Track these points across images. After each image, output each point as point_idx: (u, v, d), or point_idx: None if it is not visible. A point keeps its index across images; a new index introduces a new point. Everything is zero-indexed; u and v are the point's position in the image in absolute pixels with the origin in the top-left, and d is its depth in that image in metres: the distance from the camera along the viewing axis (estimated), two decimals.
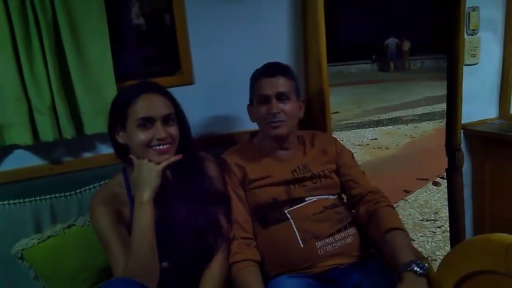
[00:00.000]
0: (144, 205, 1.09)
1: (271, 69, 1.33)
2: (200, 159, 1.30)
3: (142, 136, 1.12)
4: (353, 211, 1.38)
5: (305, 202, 1.30)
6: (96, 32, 1.38)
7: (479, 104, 2.03)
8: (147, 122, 1.12)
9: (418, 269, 1.03)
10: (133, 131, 1.13)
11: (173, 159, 1.16)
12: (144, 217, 1.08)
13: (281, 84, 1.31)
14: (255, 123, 1.39)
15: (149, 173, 1.11)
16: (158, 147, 1.13)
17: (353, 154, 1.47)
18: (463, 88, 1.81)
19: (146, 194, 1.10)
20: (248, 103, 1.41)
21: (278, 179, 1.32)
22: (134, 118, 1.12)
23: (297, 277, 1.21)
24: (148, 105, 1.13)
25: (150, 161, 1.13)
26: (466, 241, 0.44)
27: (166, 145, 1.14)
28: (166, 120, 1.15)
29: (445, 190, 1.99)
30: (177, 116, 1.20)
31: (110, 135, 1.20)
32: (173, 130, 1.17)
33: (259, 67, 1.38)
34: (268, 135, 1.35)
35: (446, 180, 1.96)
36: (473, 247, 0.42)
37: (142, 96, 1.13)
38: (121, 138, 1.17)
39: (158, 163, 1.13)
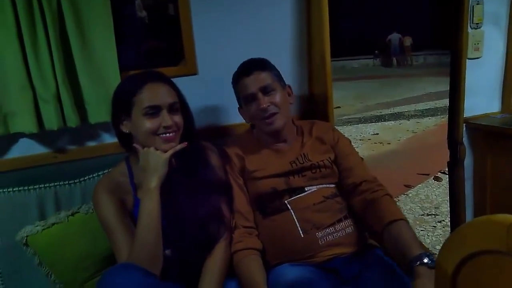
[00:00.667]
0: (151, 193, 1.11)
1: (248, 68, 1.33)
2: (202, 148, 1.31)
3: (148, 124, 1.13)
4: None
5: (305, 192, 1.31)
6: (101, 21, 1.39)
7: (482, 98, 2.03)
8: (153, 111, 1.13)
9: (429, 262, 1.01)
10: (139, 119, 1.13)
11: (179, 147, 1.17)
12: (151, 204, 1.10)
13: (261, 78, 1.31)
14: None
15: (157, 161, 1.13)
16: (164, 135, 1.14)
17: (350, 141, 1.45)
18: (466, 82, 1.81)
19: (153, 182, 1.11)
20: (238, 106, 1.41)
21: (277, 171, 1.32)
22: (140, 107, 1.13)
23: (299, 266, 1.22)
24: (154, 94, 1.14)
25: (156, 149, 1.14)
26: (468, 223, 0.44)
27: (172, 133, 1.15)
28: (171, 108, 1.16)
29: (446, 185, 2.00)
30: (181, 105, 1.21)
31: (113, 124, 1.21)
32: (178, 118, 1.18)
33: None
34: (265, 132, 1.35)
35: (447, 175, 1.96)
36: (475, 228, 0.43)
37: (147, 85, 1.14)
38: (125, 127, 1.18)
39: (165, 151, 1.14)
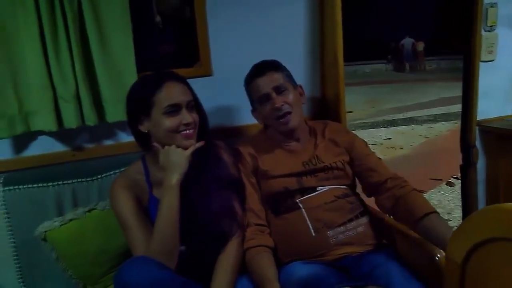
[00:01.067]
0: (172, 188, 1.14)
1: (260, 69, 1.36)
2: (215, 146, 1.33)
3: (169, 122, 1.16)
4: (367, 198, 1.39)
5: (317, 192, 1.32)
6: (119, 23, 1.42)
7: (495, 101, 2.02)
8: (173, 109, 1.16)
9: None
10: (160, 118, 1.16)
11: (198, 145, 1.20)
12: (172, 200, 1.13)
13: (274, 79, 1.34)
14: None
15: (179, 159, 1.16)
16: (184, 132, 1.18)
17: (366, 143, 1.47)
18: (479, 85, 1.81)
19: (174, 178, 1.14)
20: (251, 109, 1.44)
21: (289, 171, 1.34)
22: (161, 106, 1.16)
23: (310, 264, 1.23)
24: (173, 93, 1.17)
25: (177, 146, 1.17)
26: (477, 212, 0.45)
27: (191, 129, 1.19)
28: (188, 106, 1.19)
29: (459, 190, 1.99)
30: (195, 103, 1.24)
31: (130, 124, 1.24)
32: (195, 115, 1.21)
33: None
34: (280, 132, 1.38)
35: (460, 180, 1.95)
36: (484, 216, 0.44)
37: (166, 84, 1.18)
38: (144, 127, 1.21)
39: (185, 148, 1.17)
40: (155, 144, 1.20)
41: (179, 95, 1.18)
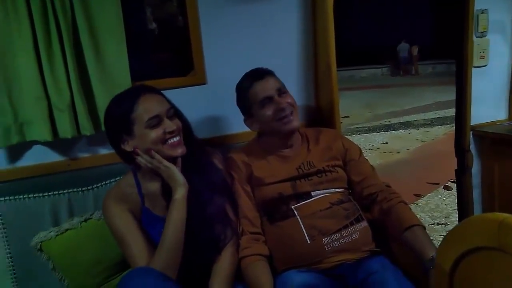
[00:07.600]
0: (180, 203, 1.16)
1: (259, 74, 1.37)
2: (206, 152, 1.34)
3: (153, 134, 1.16)
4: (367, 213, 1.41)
5: (312, 198, 1.32)
6: (114, 33, 1.43)
7: (488, 106, 2.03)
8: (155, 121, 1.16)
9: None
10: (144, 132, 1.16)
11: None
12: (180, 214, 1.16)
13: (275, 82, 1.36)
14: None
15: (180, 175, 1.18)
16: (170, 140, 1.18)
17: (361, 150, 1.49)
18: (472, 90, 1.82)
19: (181, 193, 1.17)
20: (244, 118, 1.43)
21: (284, 176, 1.35)
22: (142, 121, 1.16)
23: (306, 272, 1.23)
24: (151, 105, 1.17)
25: (164, 157, 1.18)
26: (462, 222, 0.46)
27: (176, 137, 1.19)
28: (169, 114, 1.20)
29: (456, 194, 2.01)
30: (174, 110, 1.24)
31: (113, 144, 1.23)
32: (178, 122, 1.22)
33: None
34: (282, 132, 1.36)
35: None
36: (468, 226, 0.45)
37: (142, 98, 1.17)
38: (128, 146, 1.20)
39: (174, 157, 1.19)
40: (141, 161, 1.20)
41: (157, 106, 1.18)
